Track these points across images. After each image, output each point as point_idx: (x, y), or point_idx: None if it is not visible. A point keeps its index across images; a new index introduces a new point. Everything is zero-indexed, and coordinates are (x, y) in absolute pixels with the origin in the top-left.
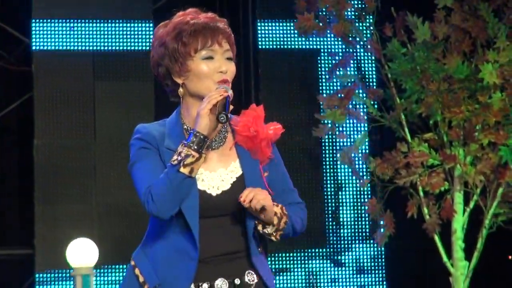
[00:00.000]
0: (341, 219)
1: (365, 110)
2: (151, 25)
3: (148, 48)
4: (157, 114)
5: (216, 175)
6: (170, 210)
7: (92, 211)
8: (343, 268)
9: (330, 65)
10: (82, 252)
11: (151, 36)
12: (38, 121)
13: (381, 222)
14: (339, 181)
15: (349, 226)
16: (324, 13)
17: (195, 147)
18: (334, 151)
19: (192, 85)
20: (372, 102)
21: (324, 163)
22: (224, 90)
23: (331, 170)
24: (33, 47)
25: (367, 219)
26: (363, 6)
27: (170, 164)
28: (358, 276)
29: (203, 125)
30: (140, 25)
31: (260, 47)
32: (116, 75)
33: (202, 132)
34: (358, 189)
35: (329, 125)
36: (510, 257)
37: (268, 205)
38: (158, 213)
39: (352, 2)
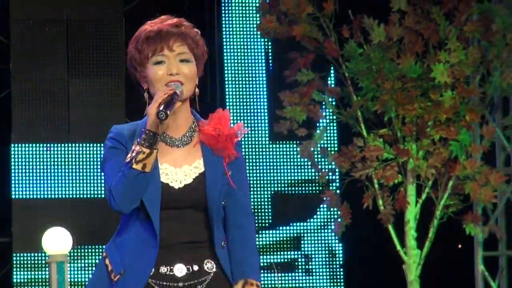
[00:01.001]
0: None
1: (323, 107)
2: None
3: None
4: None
5: (181, 170)
6: (130, 205)
7: (66, 203)
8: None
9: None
10: (56, 240)
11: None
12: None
13: (337, 214)
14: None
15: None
16: (285, 15)
17: (146, 144)
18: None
19: (151, 89)
20: (330, 99)
21: None
22: (170, 88)
23: None
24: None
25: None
26: (322, 9)
27: (125, 162)
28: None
29: (150, 122)
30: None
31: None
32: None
33: (151, 129)
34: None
35: (289, 121)
36: (459, 246)
37: None
38: (119, 209)
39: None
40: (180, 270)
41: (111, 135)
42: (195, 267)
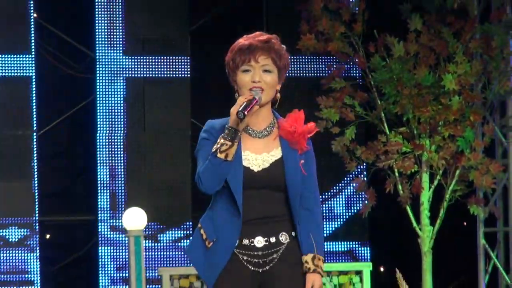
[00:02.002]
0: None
1: (353, 109)
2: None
3: None
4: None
5: (260, 157)
6: (213, 187)
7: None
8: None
9: None
10: (134, 216)
11: None
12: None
13: (365, 197)
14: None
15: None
16: (322, 34)
17: (228, 137)
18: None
19: (239, 92)
20: (359, 103)
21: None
22: (250, 94)
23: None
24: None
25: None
26: (352, 29)
27: (211, 152)
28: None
29: (232, 120)
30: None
31: None
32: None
33: (233, 126)
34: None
35: (325, 121)
36: (465, 223)
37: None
38: (205, 190)
39: (343, 26)
40: (259, 241)
41: (205, 128)
42: (272, 239)
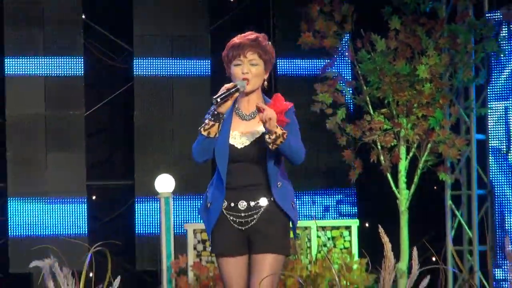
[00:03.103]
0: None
1: (343, 94)
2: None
3: None
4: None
5: (245, 136)
6: (200, 158)
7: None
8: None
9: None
10: (164, 181)
11: None
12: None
13: (353, 166)
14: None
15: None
16: (318, 32)
17: (212, 118)
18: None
19: (233, 81)
20: (348, 89)
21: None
22: (232, 84)
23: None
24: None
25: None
26: (343, 28)
27: (198, 129)
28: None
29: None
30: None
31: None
32: None
33: (215, 109)
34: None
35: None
36: (435, 187)
37: (273, 121)
38: (196, 160)
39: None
40: (242, 204)
41: (209, 110)
42: (252, 203)
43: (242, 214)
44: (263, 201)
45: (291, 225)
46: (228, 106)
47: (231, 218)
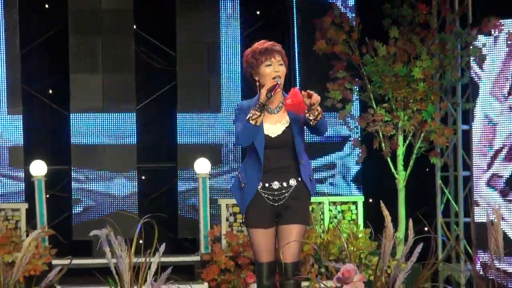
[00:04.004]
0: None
1: (351, 91)
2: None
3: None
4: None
5: (275, 126)
6: (246, 143)
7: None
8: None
9: None
10: (202, 163)
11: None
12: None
13: (358, 151)
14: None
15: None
16: (330, 40)
17: (258, 110)
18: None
19: (262, 80)
20: (355, 87)
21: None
22: (274, 81)
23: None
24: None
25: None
26: (351, 36)
27: (246, 119)
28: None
29: (261, 98)
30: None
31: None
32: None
33: (261, 102)
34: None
35: (332, 99)
36: (427, 169)
37: (318, 102)
38: (240, 144)
39: (345, 33)
40: (275, 184)
41: (237, 107)
42: (284, 183)
43: (276, 193)
44: (292, 182)
45: (311, 198)
46: (270, 100)
47: (266, 196)
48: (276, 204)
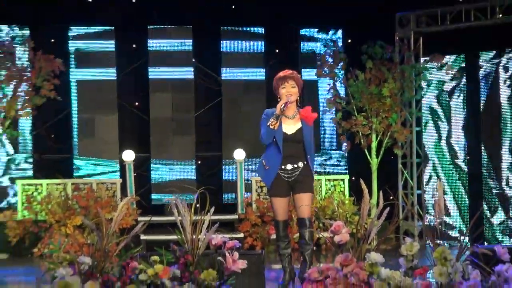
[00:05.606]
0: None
1: (340, 104)
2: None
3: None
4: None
5: (290, 127)
6: (267, 141)
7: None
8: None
9: None
10: (239, 153)
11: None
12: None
13: (345, 144)
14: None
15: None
16: (326, 69)
17: (275, 118)
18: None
19: (280, 97)
20: (343, 101)
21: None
22: (287, 99)
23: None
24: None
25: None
26: (341, 66)
27: (267, 124)
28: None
29: (277, 110)
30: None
31: None
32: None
33: (277, 113)
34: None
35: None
36: (392, 157)
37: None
38: (264, 142)
39: (336, 65)
40: (289, 166)
41: (264, 113)
42: (295, 165)
43: (289, 172)
44: (301, 164)
45: (313, 175)
46: (284, 112)
47: (283, 174)
48: (290, 180)
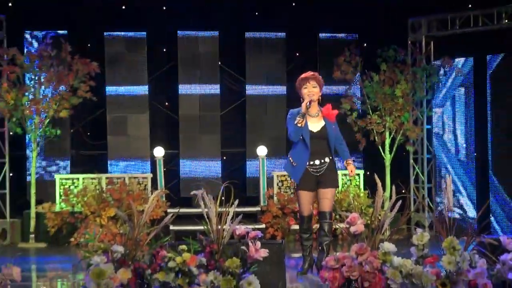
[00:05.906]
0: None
1: (356, 103)
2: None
3: None
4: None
5: (315, 125)
6: (296, 138)
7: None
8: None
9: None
10: (261, 149)
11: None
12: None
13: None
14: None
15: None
16: (343, 71)
17: (301, 117)
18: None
19: (303, 97)
20: (358, 101)
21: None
22: (310, 98)
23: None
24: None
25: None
26: (356, 69)
27: (294, 123)
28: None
29: (302, 109)
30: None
31: None
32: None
33: (303, 112)
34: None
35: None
36: (404, 153)
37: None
38: (292, 139)
39: (352, 68)
40: (316, 162)
41: (289, 113)
42: (322, 160)
43: (317, 167)
44: (327, 159)
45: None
46: (309, 110)
47: (311, 169)
48: (317, 174)
